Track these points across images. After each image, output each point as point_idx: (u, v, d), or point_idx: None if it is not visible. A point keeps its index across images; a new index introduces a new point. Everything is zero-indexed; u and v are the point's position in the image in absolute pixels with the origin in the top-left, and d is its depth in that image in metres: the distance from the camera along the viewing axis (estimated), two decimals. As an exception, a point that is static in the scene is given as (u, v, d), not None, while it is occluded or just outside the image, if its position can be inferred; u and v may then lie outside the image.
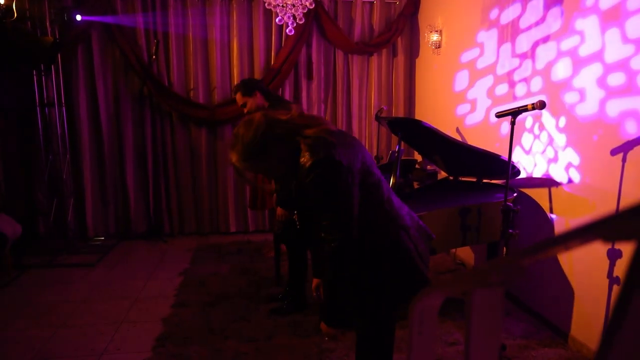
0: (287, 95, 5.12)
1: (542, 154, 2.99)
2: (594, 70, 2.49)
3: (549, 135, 2.90)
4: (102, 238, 5.02)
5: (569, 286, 2.74)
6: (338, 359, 2.61)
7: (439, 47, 4.52)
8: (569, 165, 2.74)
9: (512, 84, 3.32)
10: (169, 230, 5.17)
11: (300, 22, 3.85)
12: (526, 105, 2.35)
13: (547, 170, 2.94)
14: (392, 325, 1.73)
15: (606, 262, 2.43)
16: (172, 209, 5.14)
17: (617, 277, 2.40)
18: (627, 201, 2.36)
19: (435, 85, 4.78)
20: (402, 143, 3.05)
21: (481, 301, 0.57)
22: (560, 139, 2.79)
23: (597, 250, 2.47)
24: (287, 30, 4.15)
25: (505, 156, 2.67)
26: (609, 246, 2.43)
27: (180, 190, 5.13)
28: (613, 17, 2.34)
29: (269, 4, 3.67)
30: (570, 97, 2.69)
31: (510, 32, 3.32)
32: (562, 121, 2.77)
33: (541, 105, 2.32)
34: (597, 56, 2.46)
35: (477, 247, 3.83)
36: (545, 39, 2.90)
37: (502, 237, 2.52)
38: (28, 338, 2.91)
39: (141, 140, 4.98)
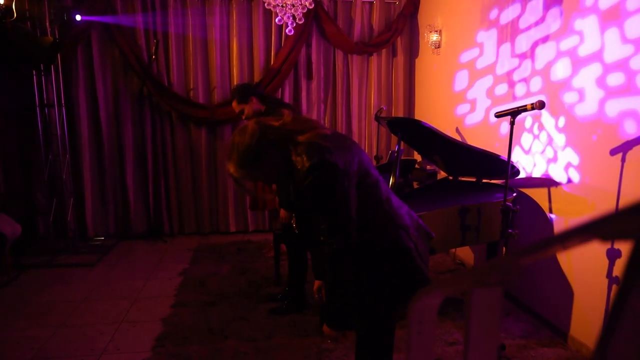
0: (287, 95, 5.12)
1: (541, 154, 2.99)
2: (593, 70, 2.50)
3: (549, 135, 2.90)
4: (102, 238, 5.02)
5: (568, 286, 2.74)
6: (337, 359, 2.61)
7: (438, 47, 4.52)
8: (568, 165, 2.74)
9: (511, 84, 3.32)
10: (169, 230, 5.17)
11: (300, 22, 3.86)
12: (525, 105, 2.36)
13: (547, 170, 2.94)
14: (392, 325, 1.73)
15: (605, 262, 2.44)
16: (172, 208, 5.14)
17: (616, 276, 2.41)
18: (626, 201, 2.36)
19: (434, 85, 4.79)
20: (402, 143, 3.05)
21: (480, 301, 0.57)
22: (560, 139, 2.80)
23: (596, 250, 2.48)
24: (286, 30, 4.15)
25: (504, 156, 2.67)
26: (609, 246, 2.43)
27: (180, 190, 5.13)
28: (612, 17, 2.35)
29: (269, 4, 3.67)
30: (569, 97, 2.70)
31: (509, 32, 3.32)
32: (562, 121, 2.77)
33: (540, 105, 2.32)
34: (597, 56, 2.47)
35: (476, 247, 3.84)
36: (545, 39, 2.90)
37: (502, 237, 2.52)
38: (28, 338, 2.91)
39: (141, 140, 4.97)
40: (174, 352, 2.69)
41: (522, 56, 3.16)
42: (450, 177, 3.59)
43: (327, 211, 1.49)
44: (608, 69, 2.39)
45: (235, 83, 5.01)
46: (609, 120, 2.40)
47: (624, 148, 2.32)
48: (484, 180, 3.39)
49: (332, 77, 5.22)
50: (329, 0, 5.04)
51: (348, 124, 5.32)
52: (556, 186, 2.86)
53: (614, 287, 2.43)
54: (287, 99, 5.11)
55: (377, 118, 3.72)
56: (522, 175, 3.17)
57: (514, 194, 3.02)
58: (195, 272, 4.00)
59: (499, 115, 2.54)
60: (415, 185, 3.67)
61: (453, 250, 4.22)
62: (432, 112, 4.84)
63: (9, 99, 4.47)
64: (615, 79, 2.35)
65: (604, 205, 2.47)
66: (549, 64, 2.86)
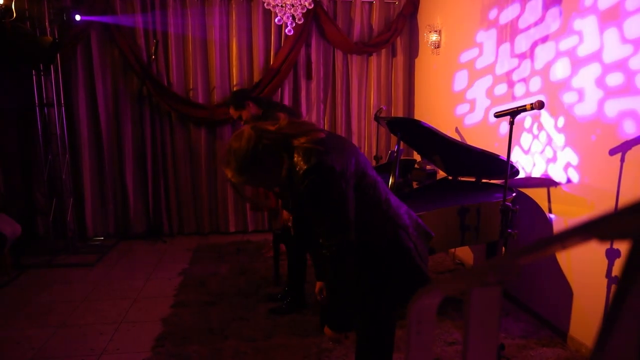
0: (287, 96, 5.12)
1: (540, 154, 2.99)
2: (592, 70, 2.50)
3: (548, 135, 2.91)
4: (102, 238, 5.02)
5: (567, 286, 2.74)
6: (337, 359, 2.61)
7: (438, 47, 4.52)
8: (567, 165, 2.74)
9: (511, 84, 3.32)
10: (169, 230, 5.17)
11: (300, 22, 3.86)
12: (525, 105, 2.36)
13: (546, 170, 2.94)
14: (392, 325, 1.74)
15: (605, 262, 2.44)
16: (172, 208, 5.14)
17: (615, 276, 2.41)
18: (625, 200, 2.36)
19: (434, 85, 4.79)
20: (401, 143, 3.05)
21: (479, 301, 0.57)
22: (559, 139, 2.80)
23: (595, 249, 2.48)
24: (286, 30, 4.15)
25: (504, 156, 2.67)
26: (608, 246, 2.43)
27: (180, 190, 5.13)
28: (612, 17, 2.35)
29: (268, 4, 3.67)
30: (568, 97, 2.70)
31: (509, 32, 3.32)
32: (561, 121, 2.77)
33: (540, 105, 2.32)
34: (596, 56, 2.47)
35: (476, 246, 3.84)
36: (544, 39, 2.91)
37: (501, 236, 2.52)
38: (27, 338, 2.91)
39: (140, 140, 4.97)
40: (173, 352, 2.69)
41: (522, 56, 3.17)
42: (450, 177, 3.59)
43: (325, 214, 1.50)
44: (607, 69, 2.40)
45: (234, 83, 5.01)
46: (608, 120, 2.41)
47: (623, 148, 2.32)
48: (484, 180, 3.39)
49: (331, 77, 5.22)
50: (329, 0, 5.04)
51: (347, 124, 5.32)
52: (555, 186, 2.86)
53: (614, 287, 2.43)
54: (286, 99, 5.12)
55: (377, 118, 3.72)
56: (521, 175, 3.17)
57: (514, 194, 3.02)
58: (195, 272, 4.00)
59: (498, 115, 2.54)
60: (415, 185, 3.67)
61: (452, 250, 4.23)
62: (431, 112, 4.84)
63: (9, 99, 4.47)
64: (615, 79, 2.35)
65: (603, 205, 2.47)
66: (549, 64, 2.87)
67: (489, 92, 3.64)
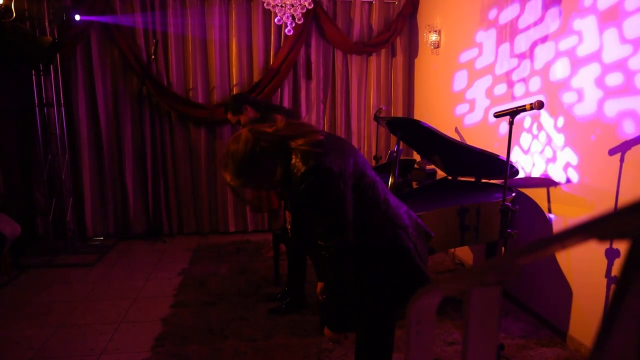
0: (286, 96, 5.12)
1: (540, 154, 3.00)
2: (592, 70, 2.50)
3: (547, 135, 2.91)
4: (101, 238, 5.02)
5: (567, 286, 2.75)
6: (337, 359, 2.61)
7: (437, 47, 4.52)
8: (567, 165, 2.74)
9: (510, 84, 3.32)
10: (168, 230, 5.17)
11: (299, 22, 3.86)
12: (524, 105, 2.36)
13: (546, 170, 2.95)
14: (392, 325, 1.74)
15: (604, 262, 2.44)
16: (171, 208, 5.14)
17: (615, 276, 2.41)
18: (625, 200, 2.36)
19: (434, 85, 4.79)
20: (401, 143, 3.05)
21: (479, 300, 0.57)
22: (559, 139, 2.80)
23: (595, 249, 2.48)
24: (286, 30, 4.15)
25: (503, 156, 2.67)
26: (607, 245, 2.43)
27: (180, 190, 5.13)
28: (611, 18, 2.35)
29: (268, 4, 3.67)
30: (568, 97, 2.70)
31: (508, 32, 3.32)
32: (561, 121, 2.77)
33: (539, 105, 2.33)
34: (595, 56, 2.47)
35: (475, 246, 3.84)
36: (544, 39, 2.91)
37: (501, 236, 2.52)
38: (27, 338, 2.91)
39: (140, 140, 4.97)
40: (173, 352, 2.69)
41: (521, 56, 3.17)
42: (450, 177, 3.60)
43: (324, 215, 1.50)
44: (607, 69, 2.40)
45: (234, 83, 5.01)
46: (608, 120, 2.41)
47: (622, 148, 2.32)
48: (483, 180, 3.39)
49: (331, 77, 5.23)
50: (328, 0, 5.04)
51: (347, 124, 5.32)
52: (555, 186, 2.86)
53: (613, 287, 2.43)
54: (286, 99, 5.12)
55: (377, 118, 3.72)
56: (521, 175, 3.17)
57: (513, 194, 3.02)
58: (195, 272, 4.00)
59: (498, 115, 2.54)
60: (415, 185, 3.67)
61: (452, 250, 4.23)
62: (431, 112, 4.84)
63: (9, 99, 4.47)
64: (614, 79, 2.35)
65: (602, 205, 2.47)
66: (548, 64, 2.87)
67: (489, 92, 3.64)
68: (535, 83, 3.02)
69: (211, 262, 4.26)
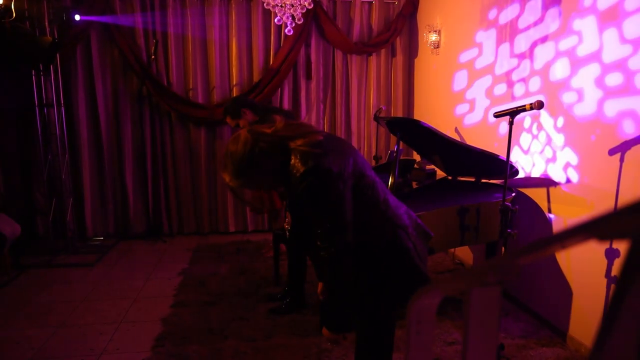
0: (286, 96, 5.12)
1: (540, 154, 3.00)
2: (592, 70, 2.50)
3: (547, 135, 2.91)
4: (101, 238, 5.02)
5: (567, 286, 2.75)
6: (337, 359, 2.61)
7: (437, 47, 4.52)
8: (567, 165, 2.74)
9: (510, 84, 3.33)
10: (168, 230, 5.17)
11: (299, 22, 3.86)
12: (524, 105, 2.36)
13: (546, 170, 2.95)
14: (392, 325, 1.74)
15: (604, 262, 2.44)
16: (171, 208, 5.14)
17: (615, 276, 2.41)
18: (624, 201, 2.36)
19: (434, 85, 4.79)
20: (401, 143, 3.05)
21: (479, 300, 0.57)
22: (559, 139, 2.80)
23: (595, 249, 2.48)
24: (286, 30, 4.15)
25: (503, 156, 2.67)
26: (607, 245, 2.44)
27: (180, 190, 5.13)
28: (611, 18, 2.35)
29: (268, 4, 3.67)
30: (568, 97, 2.70)
31: (508, 32, 3.32)
32: (560, 121, 2.78)
33: (539, 105, 2.33)
34: (595, 56, 2.47)
35: (475, 246, 3.84)
36: (544, 39, 2.91)
37: (501, 236, 2.53)
38: (27, 338, 2.91)
39: (140, 140, 4.97)
40: (173, 352, 2.70)
41: (521, 56, 3.17)
42: (449, 177, 3.60)
43: (323, 215, 1.50)
44: (607, 69, 2.40)
45: (234, 83, 5.01)
46: (608, 120, 2.41)
47: (622, 148, 2.32)
48: (483, 180, 3.39)
49: (331, 77, 5.23)
50: (328, 0, 5.04)
51: (347, 124, 5.32)
52: (555, 186, 2.86)
53: (613, 286, 2.43)
54: (286, 99, 5.12)
55: (376, 118, 3.72)
56: (521, 175, 3.17)
57: (513, 194, 3.02)
58: (195, 272, 4.00)
59: (497, 115, 2.54)
60: (415, 185, 3.67)
61: (452, 250, 4.23)
62: (431, 112, 4.84)
63: (9, 99, 4.47)
64: (614, 79, 2.35)
65: (602, 205, 2.48)
66: (548, 64, 2.87)
67: (489, 92, 3.64)
68: (535, 83, 3.02)
69: (211, 262, 4.26)
